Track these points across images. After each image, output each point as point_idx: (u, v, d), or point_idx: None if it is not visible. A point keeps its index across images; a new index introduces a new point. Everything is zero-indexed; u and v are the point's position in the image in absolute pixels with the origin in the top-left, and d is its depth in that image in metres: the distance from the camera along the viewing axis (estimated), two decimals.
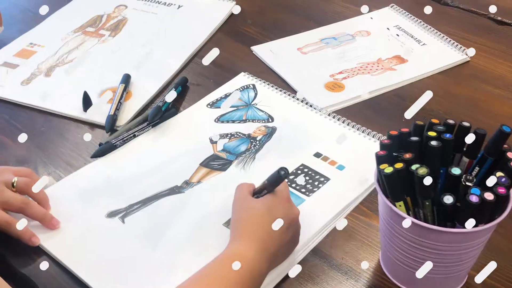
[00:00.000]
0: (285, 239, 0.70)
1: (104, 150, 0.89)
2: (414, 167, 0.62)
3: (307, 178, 0.85)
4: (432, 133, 0.66)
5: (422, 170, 0.60)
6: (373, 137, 0.91)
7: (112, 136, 0.91)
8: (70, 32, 1.18)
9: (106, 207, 0.81)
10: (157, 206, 0.81)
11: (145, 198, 0.82)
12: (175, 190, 0.83)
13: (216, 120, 0.96)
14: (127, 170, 0.86)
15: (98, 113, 0.97)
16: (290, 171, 0.85)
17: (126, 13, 1.24)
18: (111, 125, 0.93)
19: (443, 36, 1.14)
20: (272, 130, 0.93)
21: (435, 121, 0.69)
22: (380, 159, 0.66)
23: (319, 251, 0.76)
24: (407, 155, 0.64)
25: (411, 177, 0.62)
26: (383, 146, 0.67)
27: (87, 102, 0.97)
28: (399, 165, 0.63)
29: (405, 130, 0.69)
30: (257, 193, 0.73)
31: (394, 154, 0.67)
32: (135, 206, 0.81)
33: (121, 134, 0.91)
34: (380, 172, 0.64)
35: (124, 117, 0.96)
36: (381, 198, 0.66)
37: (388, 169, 0.62)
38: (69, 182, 0.85)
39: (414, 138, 0.67)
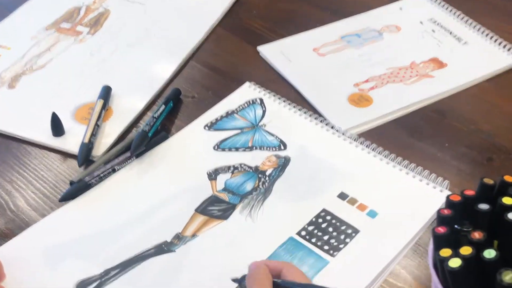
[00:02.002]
0: None
1: (75, 191, 0.71)
2: (488, 253, 0.45)
3: (331, 229, 0.67)
4: (507, 200, 0.49)
5: (509, 276, 0.42)
6: (411, 170, 0.73)
7: (85, 172, 0.73)
8: (41, 29, 0.99)
9: (75, 273, 0.63)
10: (141, 271, 0.63)
11: (126, 260, 0.64)
12: (163, 248, 0.65)
13: (216, 147, 0.78)
14: (103, 220, 0.69)
15: (72, 138, 0.79)
16: (309, 219, 0.68)
17: (108, 4, 1.04)
18: (85, 156, 0.75)
19: (487, 33, 0.94)
20: (285, 161, 0.75)
21: (508, 178, 0.51)
22: (439, 240, 0.48)
23: None
24: (477, 235, 0.47)
25: (483, 266, 0.45)
26: (442, 219, 0.49)
27: (56, 126, 0.79)
28: (466, 251, 0.46)
29: (470, 193, 0.51)
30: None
31: (456, 226, 0.49)
32: (112, 272, 0.63)
33: (98, 168, 0.74)
34: (441, 262, 0.46)
35: (103, 143, 0.78)
36: None
37: (455, 263, 0.45)
38: (30, 237, 0.67)
39: (483, 207, 0.49)
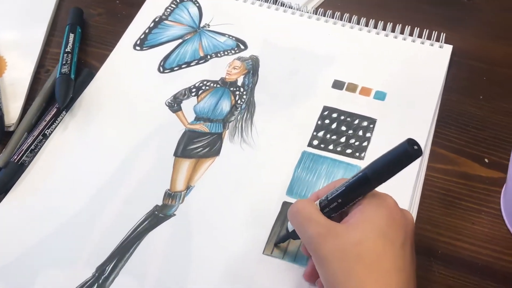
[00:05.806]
0: (414, 267, 0.41)
1: (6, 179, 0.52)
2: None
3: (344, 128, 0.55)
4: None
5: None
6: (399, 32, 0.62)
7: (8, 150, 0.54)
8: None
9: (60, 286, 0.47)
10: (143, 253, 0.48)
11: (117, 247, 0.48)
12: (159, 216, 0.50)
13: (161, 69, 0.61)
14: (61, 206, 0.51)
15: None
16: (313, 124, 0.55)
17: None
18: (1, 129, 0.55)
19: None
20: (254, 63, 0.60)
21: None
22: None
23: None
24: None
25: None
26: None
27: None
28: None
29: None
30: (330, 201, 0.42)
31: None
32: (107, 268, 0.47)
33: (23, 140, 0.55)
34: None
35: (13, 107, 0.58)
36: None
37: None
38: None
39: None
